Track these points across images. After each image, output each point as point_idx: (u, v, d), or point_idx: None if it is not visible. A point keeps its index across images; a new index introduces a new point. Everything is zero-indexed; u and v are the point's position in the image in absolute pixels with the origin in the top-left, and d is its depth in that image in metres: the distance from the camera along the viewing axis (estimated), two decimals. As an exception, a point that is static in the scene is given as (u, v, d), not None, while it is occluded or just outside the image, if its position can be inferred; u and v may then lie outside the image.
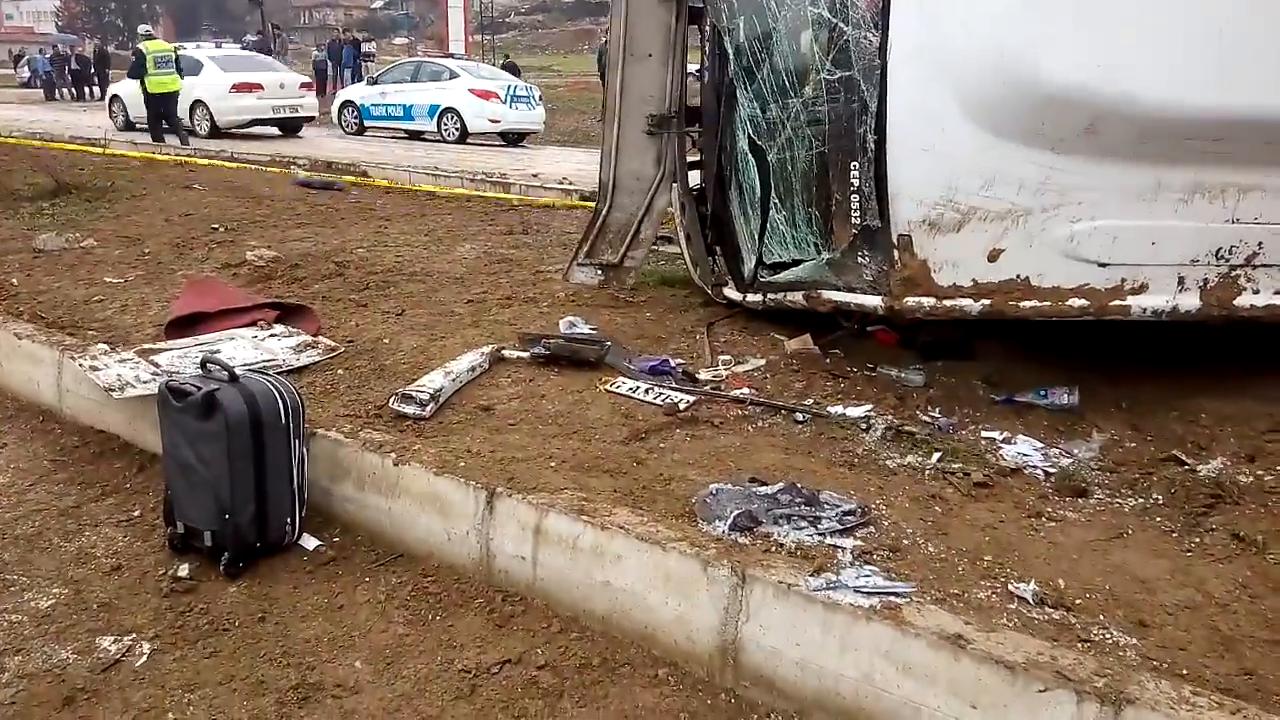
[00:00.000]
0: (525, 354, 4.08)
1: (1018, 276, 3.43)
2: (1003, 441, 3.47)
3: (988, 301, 3.46)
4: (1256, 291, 3.52)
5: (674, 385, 3.82)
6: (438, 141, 18.11)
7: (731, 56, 4.51)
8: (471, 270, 5.97)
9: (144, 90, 15.49)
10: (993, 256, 3.41)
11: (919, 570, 2.55)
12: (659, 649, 2.58)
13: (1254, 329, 3.71)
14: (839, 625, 2.29)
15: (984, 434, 3.54)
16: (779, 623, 2.37)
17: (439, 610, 2.82)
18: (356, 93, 20.35)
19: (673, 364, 4.07)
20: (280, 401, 3.02)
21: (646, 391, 3.73)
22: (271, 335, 4.42)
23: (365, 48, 29.96)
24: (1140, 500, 3.02)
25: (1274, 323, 3.58)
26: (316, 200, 9.01)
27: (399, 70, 20.33)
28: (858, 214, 3.61)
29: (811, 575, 2.40)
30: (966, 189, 3.33)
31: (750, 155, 4.42)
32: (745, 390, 3.80)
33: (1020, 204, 3.34)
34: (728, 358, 4.28)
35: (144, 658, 2.60)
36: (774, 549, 2.59)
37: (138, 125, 16.96)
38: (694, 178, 5.45)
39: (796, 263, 4.21)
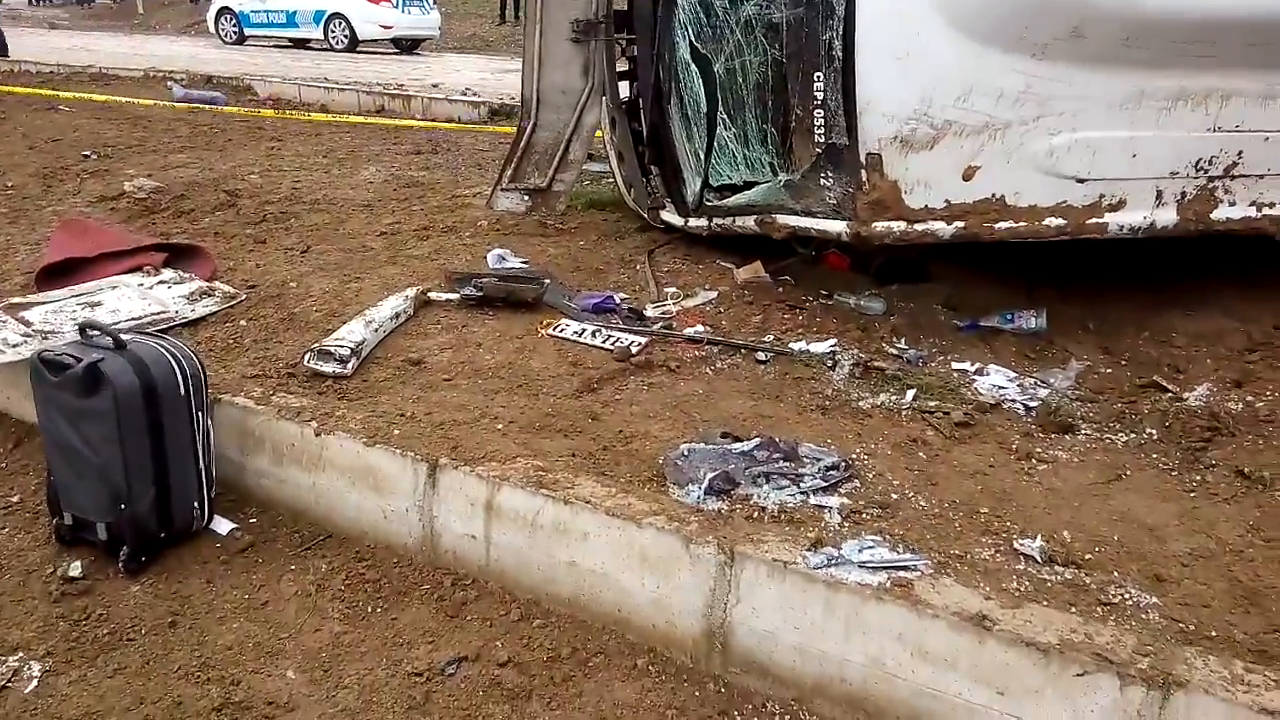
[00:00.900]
0: (454, 296, 3.68)
1: (993, 196, 3.17)
2: (975, 373, 3.27)
3: (961, 224, 3.19)
4: (1233, 204, 3.34)
5: (622, 325, 3.48)
6: (325, 50, 16.97)
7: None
8: (380, 196, 5.47)
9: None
10: (968, 175, 3.13)
11: (914, 529, 2.33)
12: (634, 634, 2.31)
13: (1222, 241, 3.56)
14: (844, 606, 2.04)
15: (955, 365, 3.32)
16: (775, 604, 2.11)
17: (379, 601, 2.48)
18: (234, -3, 18.85)
19: (617, 300, 3.72)
20: (177, 368, 2.61)
21: (594, 334, 3.38)
22: (160, 282, 3.91)
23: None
24: (1133, 435, 2.84)
25: (1248, 234, 3.42)
26: (198, 120, 8.24)
27: (280, -28, 18.85)
28: (821, 131, 3.28)
29: (809, 550, 2.13)
30: (942, 101, 3.03)
31: (693, 65, 4.01)
32: (700, 328, 3.49)
33: (998, 116, 3.06)
34: (674, 290, 3.94)
35: (34, 682, 2.22)
36: (758, 515, 2.33)
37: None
38: (624, 90, 5.01)
39: (748, 185, 3.86)
